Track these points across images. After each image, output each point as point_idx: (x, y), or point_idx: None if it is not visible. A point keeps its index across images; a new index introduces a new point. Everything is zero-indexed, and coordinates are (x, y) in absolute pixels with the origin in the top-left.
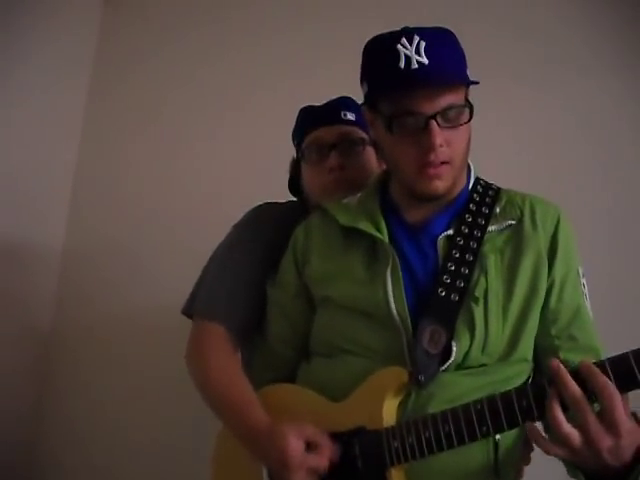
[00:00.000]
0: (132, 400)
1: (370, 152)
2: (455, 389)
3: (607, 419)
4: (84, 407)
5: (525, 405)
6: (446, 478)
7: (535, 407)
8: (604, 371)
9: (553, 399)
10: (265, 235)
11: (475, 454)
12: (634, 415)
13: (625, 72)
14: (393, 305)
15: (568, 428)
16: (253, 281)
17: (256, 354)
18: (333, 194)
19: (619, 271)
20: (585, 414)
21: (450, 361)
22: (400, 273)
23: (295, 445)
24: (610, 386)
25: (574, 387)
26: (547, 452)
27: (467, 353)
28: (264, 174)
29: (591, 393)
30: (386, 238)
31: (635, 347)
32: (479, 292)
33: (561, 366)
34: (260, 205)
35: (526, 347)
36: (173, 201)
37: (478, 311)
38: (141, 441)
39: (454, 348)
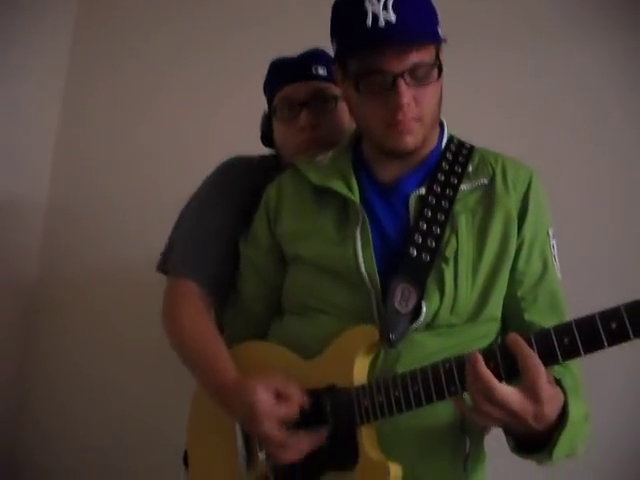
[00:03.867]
0: (115, 353)
1: (343, 109)
2: (423, 349)
3: (530, 390)
4: (68, 359)
5: (492, 366)
6: (414, 435)
7: (502, 368)
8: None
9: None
10: (235, 190)
11: (442, 412)
12: (557, 381)
13: (606, 34)
14: (362, 264)
15: (488, 406)
16: (225, 237)
17: (229, 311)
18: (305, 153)
19: (603, 229)
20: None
21: (420, 321)
22: (370, 233)
23: (263, 397)
24: (534, 358)
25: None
26: (470, 417)
27: (436, 313)
28: (247, 129)
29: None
30: (357, 198)
31: None
32: (449, 252)
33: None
34: (231, 159)
35: (495, 307)
36: (158, 156)
37: (448, 271)
38: (122, 393)
39: (424, 308)
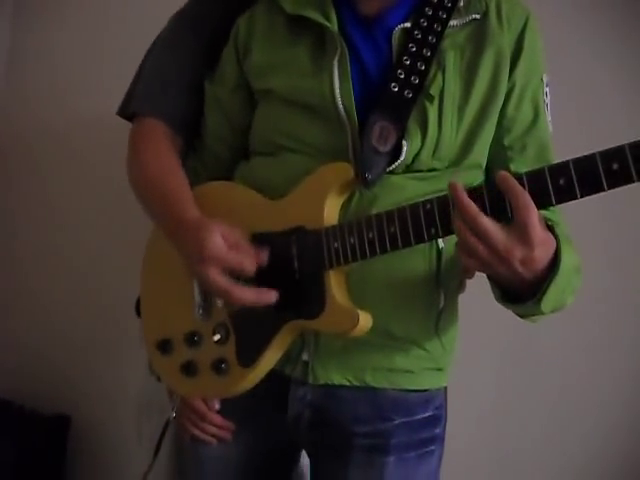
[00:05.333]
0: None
1: None
2: (402, 193)
3: (520, 230)
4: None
5: (479, 206)
6: (385, 287)
7: (489, 209)
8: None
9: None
10: (206, 25)
11: (417, 261)
12: (548, 226)
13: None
14: (339, 97)
15: (472, 239)
16: (193, 75)
17: (192, 156)
18: None
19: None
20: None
21: (399, 161)
22: (349, 65)
23: (216, 239)
24: (525, 195)
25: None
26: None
27: (417, 155)
28: None
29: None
30: (335, 27)
31: None
32: (434, 90)
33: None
34: None
35: (480, 153)
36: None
37: (432, 110)
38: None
39: (404, 147)
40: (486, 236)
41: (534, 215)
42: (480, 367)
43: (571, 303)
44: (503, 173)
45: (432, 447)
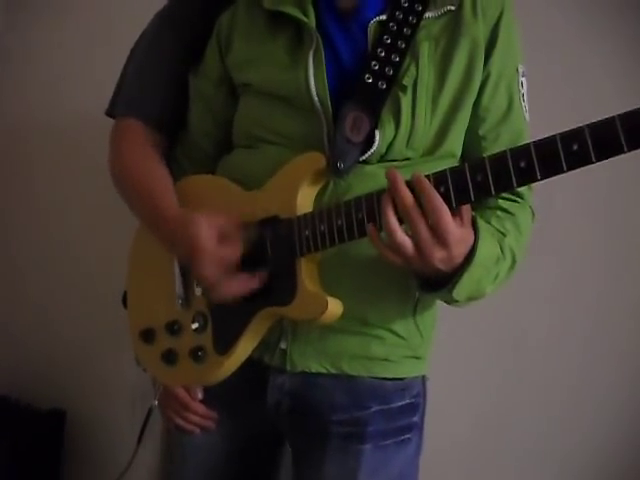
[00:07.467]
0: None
1: None
2: (376, 182)
3: (436, 231)
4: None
5: (443, 191)
6: (361, 277)
7: (453, 193)
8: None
9: (387, 206)
10: (188, 24)
11: None
12: (474, 219)
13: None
14: (313, 88)
15: (402, 237)
16: (176, 73)
17: (178, 149)
18: None
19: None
20: (416, 224)
21: (372, 150)
22: (323, 57)
23: (207, 234)
24: (435, 199)
25: (406, 195)
26: (384, 256)
27: (391, 144)
28: None
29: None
30: (312, 22)
31: None
32: (408, 81)
33: (398, 175)
34: None
35: (454, 142)
36: None
37: (405, 101)
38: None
39: (377, 137)
40: (417, 236)
41: (446, 216)
42: (476, 367)
43: (492, 292)
44: (417, 175)
45: (409, 435)
